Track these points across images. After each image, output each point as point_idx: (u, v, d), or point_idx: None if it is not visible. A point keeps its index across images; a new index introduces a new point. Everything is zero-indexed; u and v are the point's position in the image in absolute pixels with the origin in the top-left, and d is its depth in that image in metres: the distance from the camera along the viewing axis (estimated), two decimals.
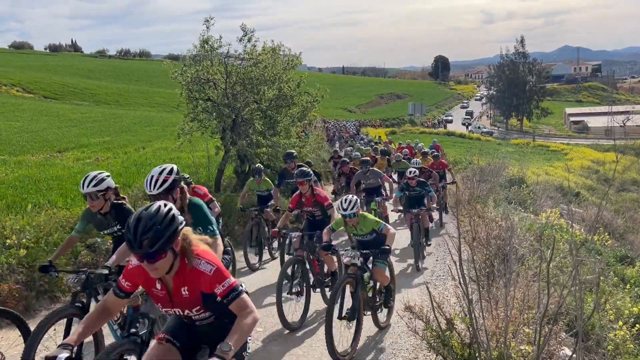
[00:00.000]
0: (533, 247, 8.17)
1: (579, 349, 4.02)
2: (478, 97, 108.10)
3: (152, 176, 3.99)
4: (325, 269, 7.00)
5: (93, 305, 4.29)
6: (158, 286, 2.95)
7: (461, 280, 4.43)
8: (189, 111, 13.30)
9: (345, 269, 5.94)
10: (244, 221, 10.72)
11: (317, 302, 6.96)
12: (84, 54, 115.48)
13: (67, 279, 4.72)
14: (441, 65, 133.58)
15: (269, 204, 9.78)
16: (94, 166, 13.82)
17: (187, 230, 2.90)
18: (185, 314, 3.01)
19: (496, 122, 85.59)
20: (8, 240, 7.09)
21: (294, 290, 6.54)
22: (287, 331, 6.24)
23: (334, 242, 6.67)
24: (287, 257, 8.09)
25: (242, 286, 2.90)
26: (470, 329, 4.50)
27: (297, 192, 7.32)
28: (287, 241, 8.09)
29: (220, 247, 4.12)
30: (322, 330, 5.64)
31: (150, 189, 3.97)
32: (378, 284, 6.19)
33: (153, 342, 3.28)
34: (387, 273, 6.22)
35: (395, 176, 15.62)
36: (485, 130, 71.53)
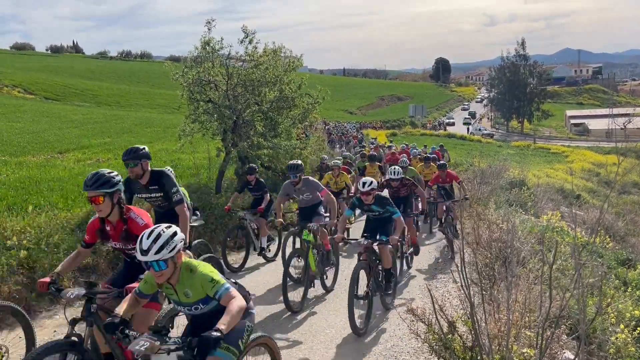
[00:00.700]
0: (534, 250, 8.16)
1: (581, 352, 4.00)
2: (479, 99, 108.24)
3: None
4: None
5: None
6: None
7: (463, 282, 4.41)
8: (190, 113, 13.29)
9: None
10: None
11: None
12: (85, 55, 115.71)
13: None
14: (442, 67, 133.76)
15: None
16: (94, 167, 13.80)
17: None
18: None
19: (497, 124, 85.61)
20: (9, 242, 7.08)
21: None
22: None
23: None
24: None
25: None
26: (472, 332, 4.48)
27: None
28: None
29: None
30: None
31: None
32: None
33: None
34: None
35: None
36: (485, 132, 71.55)
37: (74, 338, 3.84)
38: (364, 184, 6.85)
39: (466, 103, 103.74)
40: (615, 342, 5.96)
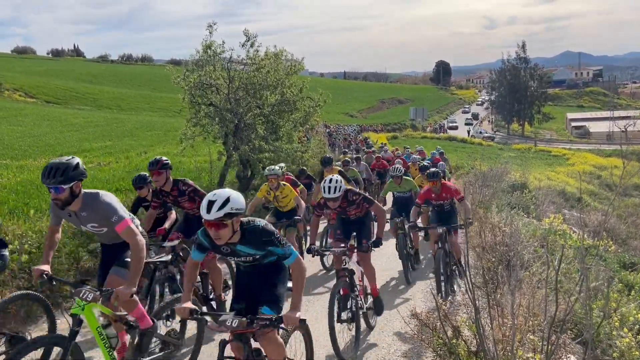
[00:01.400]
0: (538, 254, 8.13)
1: (588, 358, 3.97)
2: (479, 102, 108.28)
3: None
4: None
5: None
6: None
7: (468, 287, 4.39)
8: (192, 116, 13.31)
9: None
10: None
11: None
12: (86, 59, 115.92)
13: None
14: (443, 70, 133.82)
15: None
16: (96, 171, 13.80)
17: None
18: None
19: (498, 127, 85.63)
20: (10, 246, 7.05)
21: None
22: None
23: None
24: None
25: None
26: (477, 337, 4.45)
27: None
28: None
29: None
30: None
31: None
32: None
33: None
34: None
35: (389, 198, 10.44)
36: (486, 135, 71.50)
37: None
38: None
39: (467, 106, 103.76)
40: (619, 345, 5.93)
